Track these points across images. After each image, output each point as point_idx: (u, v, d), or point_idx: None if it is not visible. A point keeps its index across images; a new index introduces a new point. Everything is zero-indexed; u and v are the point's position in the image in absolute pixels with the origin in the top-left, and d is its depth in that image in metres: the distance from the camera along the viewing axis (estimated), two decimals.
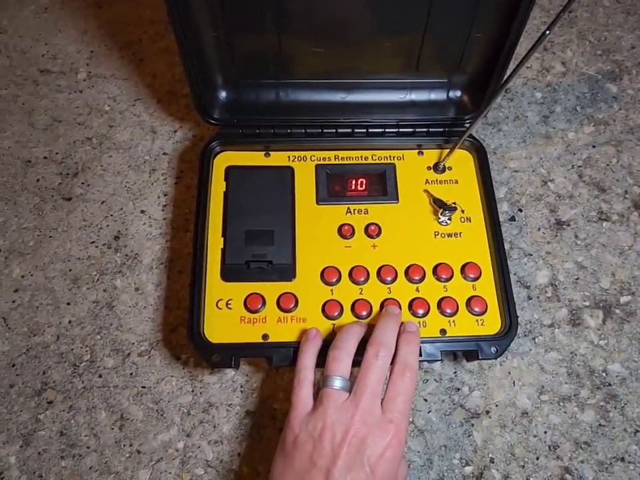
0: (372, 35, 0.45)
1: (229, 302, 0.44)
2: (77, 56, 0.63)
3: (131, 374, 0.47)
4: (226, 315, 0.44)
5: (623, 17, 0.66)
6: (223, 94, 0.50)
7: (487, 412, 0.46)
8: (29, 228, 0.54)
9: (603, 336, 0.49)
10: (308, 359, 0.39)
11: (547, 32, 0.35)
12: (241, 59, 0.47)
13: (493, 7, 0.43)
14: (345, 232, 0.47)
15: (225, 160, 0.50)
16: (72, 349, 0.48)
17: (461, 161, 0.51)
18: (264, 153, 0.51)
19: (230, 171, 0.48)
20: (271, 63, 0.47)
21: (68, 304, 0.50)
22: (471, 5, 0.43)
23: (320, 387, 0.38)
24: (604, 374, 0.47)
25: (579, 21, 0.66)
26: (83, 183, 0.56)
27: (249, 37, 0.45)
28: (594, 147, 0.58)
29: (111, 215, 0.54)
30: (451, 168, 0.51)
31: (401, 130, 0.50)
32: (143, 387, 0.47)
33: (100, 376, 0.47)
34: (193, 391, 0.47)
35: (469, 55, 0.47)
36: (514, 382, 0.47)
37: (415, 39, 0.46)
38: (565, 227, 0.54)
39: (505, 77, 0.45)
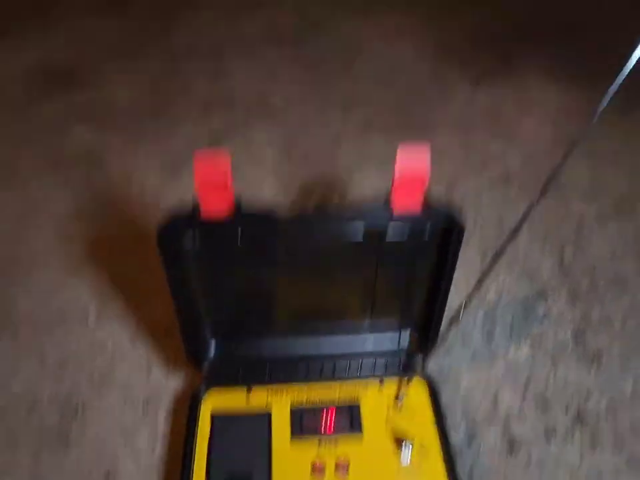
0: (332, 306, 0.58)
1: None
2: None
3: None
4: None
5: (540, 245, 0.82)
6: (212, 354, 0.61)
7: None
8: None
9: None
10: None
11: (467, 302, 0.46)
12: (226, 338, 0.60)
13: (425, 275, 0.55)
14: (317, 470, 0.52)
15: (211, 401, 0.58)
16: None
17: (417, 391, 0.59)
18: (246, 389, 0.59)
19: (214, 419, 0.56)
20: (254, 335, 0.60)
21: None
22: (409, 282, 0.56)
23: None
24: None
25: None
26: (79, 423, 0.61)
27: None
28: (533, 361, 0.67)
29: (103, 455, 0.58)
30: (408, 397, 0.58)
31: (362, 367, 0.60)
32: None
33: None
34: None
35: (413, 307, 0.59)
36: None
37: (367, 304, 0.58)
38: (518, 447, 0.59)
39: (450, 318, 0.55)
